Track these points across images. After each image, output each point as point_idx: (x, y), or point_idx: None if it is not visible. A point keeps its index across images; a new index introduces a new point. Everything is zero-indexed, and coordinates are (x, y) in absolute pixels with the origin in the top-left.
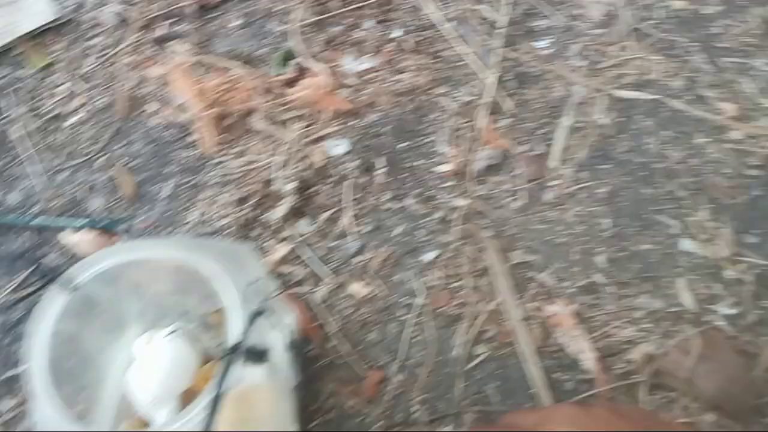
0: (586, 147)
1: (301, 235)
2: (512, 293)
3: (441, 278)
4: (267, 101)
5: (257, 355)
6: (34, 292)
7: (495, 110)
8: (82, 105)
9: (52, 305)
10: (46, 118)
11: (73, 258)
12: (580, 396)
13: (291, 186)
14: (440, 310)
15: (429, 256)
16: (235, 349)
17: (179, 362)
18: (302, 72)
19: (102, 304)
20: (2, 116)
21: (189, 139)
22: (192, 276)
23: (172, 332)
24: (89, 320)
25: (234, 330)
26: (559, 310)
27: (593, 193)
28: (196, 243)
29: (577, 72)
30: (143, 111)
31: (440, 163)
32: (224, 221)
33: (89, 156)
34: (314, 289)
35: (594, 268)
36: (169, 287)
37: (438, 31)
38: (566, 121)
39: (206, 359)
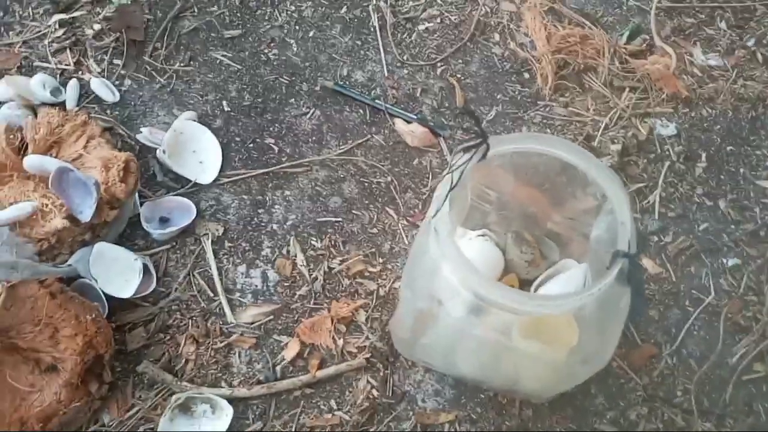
0: None
1: None
2: None
3: (737, 287)
4: (608, 64)
5: (628, 277)
6: None
7: None
8: (436, 16)
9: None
10: (403, 17)
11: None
12: None
13: (615, 147)
14: (730, 315)
15: (730, 261)
16: (626, 256)
17: (485, 261)
18: (649, 48)
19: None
20: (367, 3)
21: (524, 75)
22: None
23: (480, 235)
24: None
25: (623, 243)
26: None
27: None
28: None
29: None
30: (488, 38)
31: (767, 179)
32: None
33: (431, 62)
34: None
35: None
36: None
37: None
38: None
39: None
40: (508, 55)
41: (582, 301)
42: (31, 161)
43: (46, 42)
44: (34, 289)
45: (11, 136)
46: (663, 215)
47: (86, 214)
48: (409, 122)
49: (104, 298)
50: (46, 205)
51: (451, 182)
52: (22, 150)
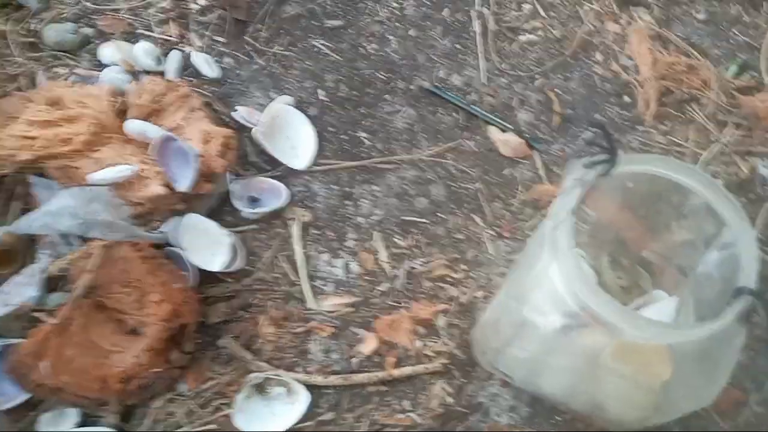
0: None
1: None
2: None
3: None
4: (713, 97)
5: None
6: None
7: None
8: (539, 29)
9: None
10: (504, 26)
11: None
12: None
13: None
14: None
15: None
16: (752, 294)
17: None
18: (757, 85)
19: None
20: (469, 8)
21: (625, 98)
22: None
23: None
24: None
25: (747, 279)
26: None
27: None
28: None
29: None
30: (590, 56)
31: None
32: None
33: (530, 73)
34: None
35: None
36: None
37: None
38: None
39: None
40: (610, 76)
41: (702, 335)
42: (133, 126)
43: (151, 11)
44: (126, 251)
45: (114, 99)
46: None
47: (182, 183)
48: (504, 131)
49: (192, 269)
50: (144, 171)
51: (580, 195)
52: (121, 113)
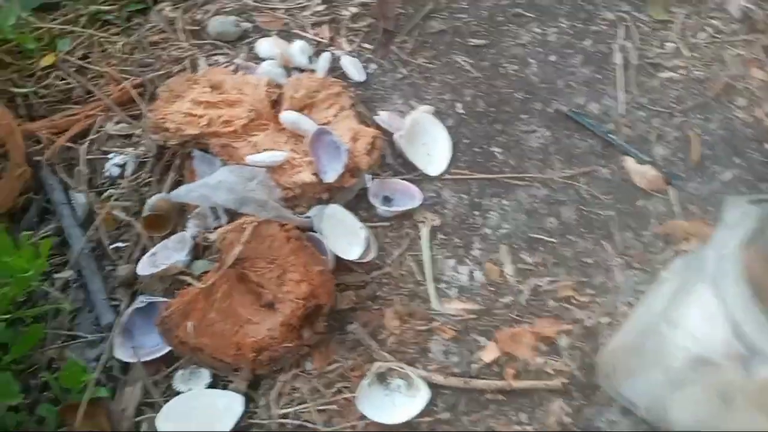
0: None
1: None
2: None
3: None
4: None
5: None
6: None
7: None
8: (681, 68)
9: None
10: (646, 61)
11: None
12: None
13: None
14: None
15: None
16: None
17: None
18: None
19: None
20: (612, 41)
21: (766, 146)
22: None
23: None
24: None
25: None
26: None
27: None
28: None
29: None
30: (732, 100)
31: None
32: None
33: (669, 110)
34: None
35: None
36: None
37: None
38: None
39: None
40: (752, 121)
41: None
42: (288, 117)
43: (306, 14)
44: (275, 229)
45: (270, 90)
46: None
47: (330, 175)
48: (641, 163)
49: (330, 255)
50: (295, 159)
51: (750, 230)
52: (274, 104)
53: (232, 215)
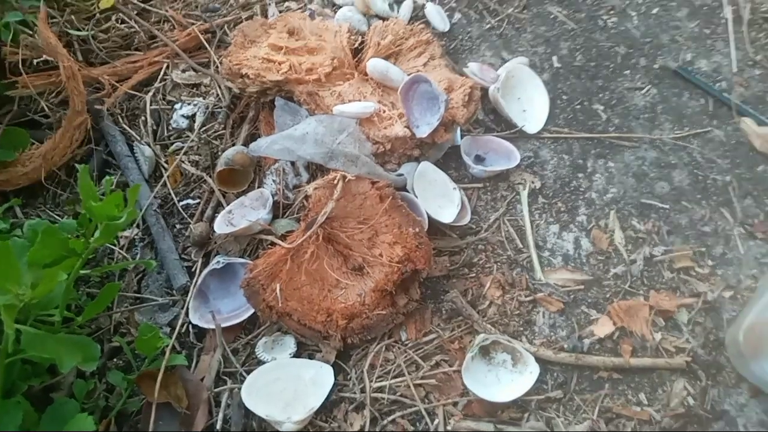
0: None
1: None
2: None
3: None
4: None
5: None
6: None
7: None
8: None
9: None
10: (761, 15)
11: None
12: None
13: None
14: None
15: None
16: None
17: None
18: None
19: None
20: None
21: None
22: None
23: None
24: None
25: None
26: None
27: None
28: None
29: None
30: None
31: None
32: None
33: None
34: None
35: None
36: None
37: None
38: None
39: None
40: None
41: None
42: (376, 65)
43: None
44: (366, 187)
45: (352, 37)
46: None
47: (422, 129)
48: (760, 125)
49: (427, 217)
50: (384, 111)
51: None
52: (355, 53)
53: (313, 172)
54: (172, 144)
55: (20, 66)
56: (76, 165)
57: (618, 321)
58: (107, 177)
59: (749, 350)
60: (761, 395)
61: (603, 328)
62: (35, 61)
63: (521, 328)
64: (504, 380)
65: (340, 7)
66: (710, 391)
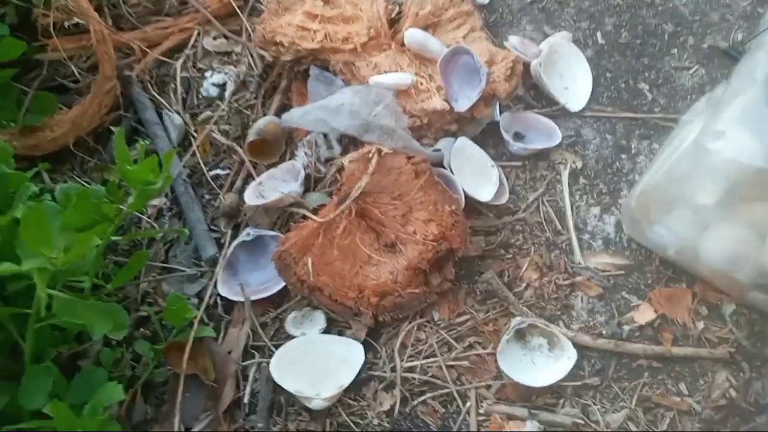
0: None
1: None
2: None
3: None
4: None
5: None
6: None
7: None
8: None
9: None
10: None
11: None
12: None
13: None
14: None
15: None
16: None
17: None
18: None
19: None
20: None
21: None
22: None
23: None
24: None
25: None
26: None
27: None
28: None
29: None
30: None
31: None
32: None
33: None
34: None
35: None
36: None
37: None
38: None
39: None
40: None
41: None
42: (415, 35)
43: None
44: (401, 161)
45: (389, 6)
46: None
47: (462, 103)
48: None
49: (463, 195)
50: (421, 83)
51: None
52: (391, 23)
53: (346, 145)
54: (202, 113)
55: (51, 29)
56: (112, 128)
57: (659, 308)
58: (140, 142)
59: (641, 215)
60: None
61: (644, 315)
62: (66, 24)
63: (558, 313)
64: (540, 365)
65: None
66: (754, 384)
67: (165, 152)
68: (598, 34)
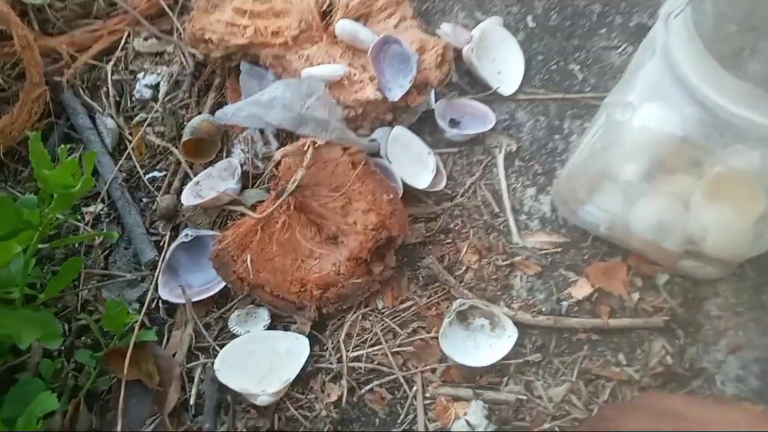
0: None
1: None
2: None
3: None
4: None
5: None
6: None
7: None
8: None
9: None
10: None
11: None
12: None
13: None
14: None
15: None
16: None
17: None
18: None
19: None
20: None
21: None
22: None
23: None
24: None
25: None
26: None
27: None
28: None
29: None
30: None
31: None
32: None
33: None
34: None
35: None
36: None
37: None
38: None
39: None
40: None
41: None
42: (346, 26)
43: None
44: (337, 153)
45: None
46: None
47: (395, 92)
48: None
49: (401, 183)
50: (354, 75)
51: None
52: (324, 15)
53: (283, 140)
54: (136, 115)
55: None
56: (27, 133)
57: (596, 283)
58: (62, 145)
59: (570, 196)
60: (738, 350)
61: (581, 290)
62: None
63: (499, 293)
64: (482, 345)
65: None
66: (689, 350)
67: (89, 152)
68: (529, 17)
